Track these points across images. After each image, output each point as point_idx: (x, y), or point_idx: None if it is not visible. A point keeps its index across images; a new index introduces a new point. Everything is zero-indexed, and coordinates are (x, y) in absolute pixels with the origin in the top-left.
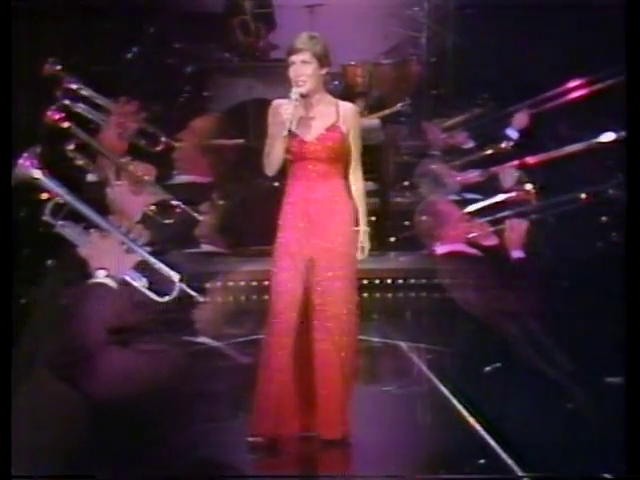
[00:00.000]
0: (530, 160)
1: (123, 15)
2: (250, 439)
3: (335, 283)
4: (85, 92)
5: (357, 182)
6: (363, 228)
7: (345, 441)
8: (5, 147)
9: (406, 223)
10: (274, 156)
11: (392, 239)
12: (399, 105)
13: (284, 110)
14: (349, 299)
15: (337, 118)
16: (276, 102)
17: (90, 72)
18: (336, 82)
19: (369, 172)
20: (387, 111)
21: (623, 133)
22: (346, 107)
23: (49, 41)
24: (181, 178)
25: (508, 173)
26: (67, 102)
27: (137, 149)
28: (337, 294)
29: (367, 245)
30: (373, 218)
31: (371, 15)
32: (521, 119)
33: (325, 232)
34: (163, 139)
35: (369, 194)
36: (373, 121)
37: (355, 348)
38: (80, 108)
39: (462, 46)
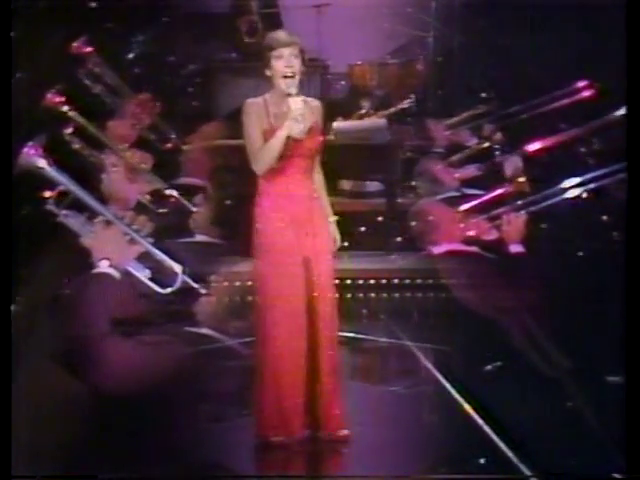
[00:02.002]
0: (530, 151)
1: (129, 14)
2: (257, 440)
3: (327, 280)
4: (108, 77)
5: (319, 175)
6: (333, 219)
7: (350, 437)
8: (5, 139)
9: (412, 223)
10: (272, 153)
11: (398, 239)
12: (405, 102)
13: (294, 105)
14: (334, 295)
15: (312, 114)
16: (255, 100)
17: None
18: (342, 82)
19: (375, 172)
20: (393, 109)
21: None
22: (315, 103)
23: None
24: (185, 180)
25: (512, 162)
26: (86, 80)
27: (145, 143)
28: (329, 291)
29: (338, 236)
30: (380, 218)
31: (377, 15)
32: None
33: (313, 229)
34: (173, 139)
35: (376, 194)
36: (379, 121)
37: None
38: (98, 90)
39: (468, 45)
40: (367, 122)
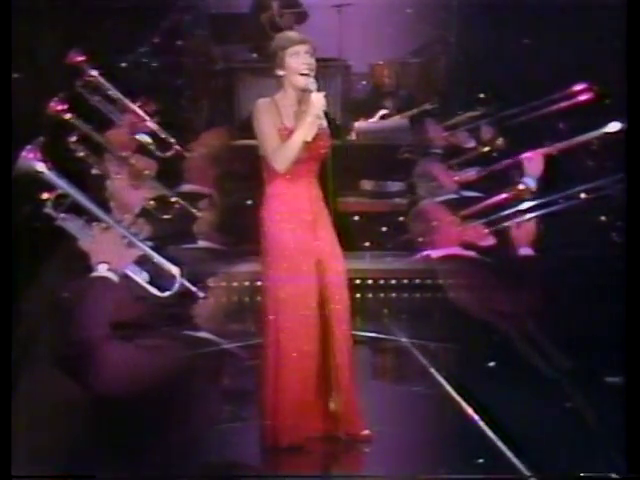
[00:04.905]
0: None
1: (148, 14)
2: (268, 444)
3: (340, 281)
4: (104, 85)
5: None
6: None
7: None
8: (5, 141)
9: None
10: (294, 150)
11: (420, 239)
12: (427, 105)
13: (318, 102)
14: (347, 296)
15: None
16: (265, 100)
17: (111, 66)
18: (364, 82)
19: (397, 172)
20: (415, 110)
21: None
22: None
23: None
24: (186, 187)
25: (535, 161)
26: (82, 91)
27: (145, 151)
28: (343, 292)
29: None
30: (401, 218)
31: (398, 14)
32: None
33: (325, 230)
34: (174, 146)
35: (397, 194)
36: (402, 121)
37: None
38: (96, 101)
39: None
40: (389, 122)
